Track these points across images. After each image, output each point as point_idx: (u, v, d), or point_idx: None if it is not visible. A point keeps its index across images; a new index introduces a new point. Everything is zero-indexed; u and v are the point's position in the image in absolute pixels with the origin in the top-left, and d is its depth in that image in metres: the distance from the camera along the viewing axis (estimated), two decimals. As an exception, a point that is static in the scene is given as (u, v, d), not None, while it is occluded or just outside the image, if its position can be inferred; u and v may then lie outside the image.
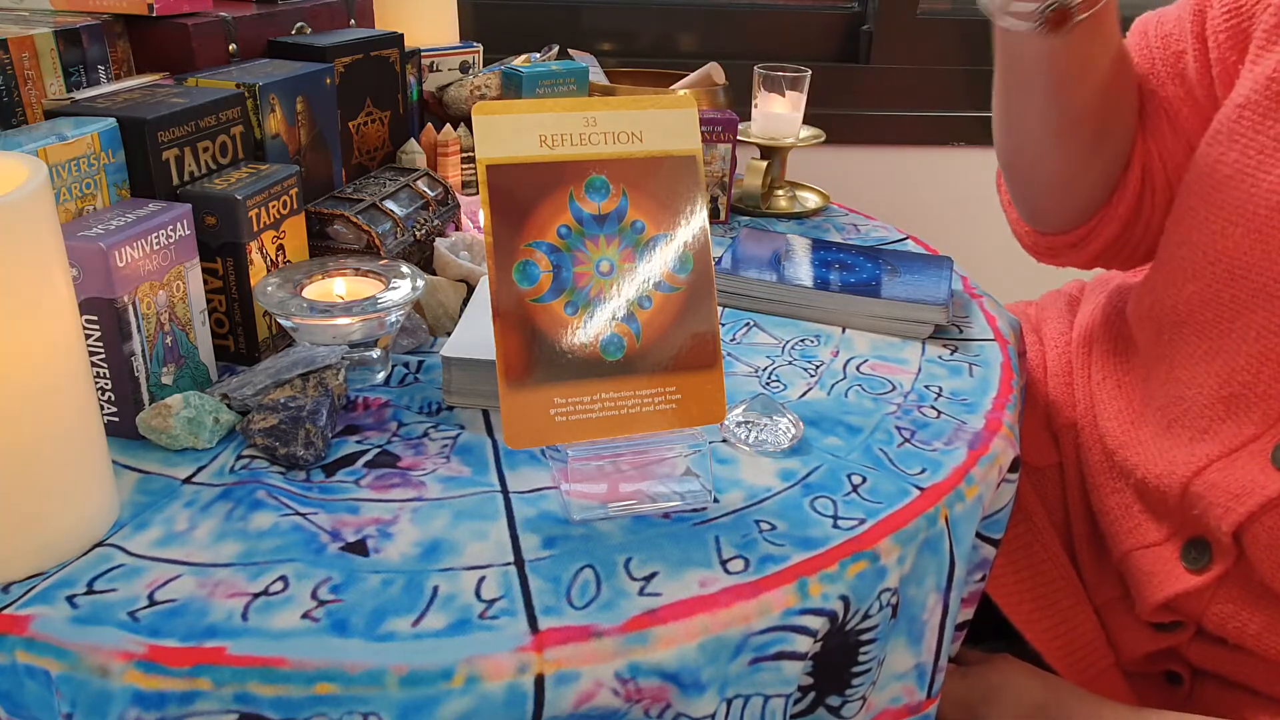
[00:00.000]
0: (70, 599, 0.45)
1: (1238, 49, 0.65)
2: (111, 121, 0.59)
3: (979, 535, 0.63)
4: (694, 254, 0.52)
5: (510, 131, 0.50)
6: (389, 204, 0.76)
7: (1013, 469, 0.64)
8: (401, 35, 0.88)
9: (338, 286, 0.66)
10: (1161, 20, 0.73)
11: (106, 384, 0.56)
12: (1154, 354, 0.72)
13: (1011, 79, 0.70)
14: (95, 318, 0.54)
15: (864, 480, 0.57)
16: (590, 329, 0.51)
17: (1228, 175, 0.62)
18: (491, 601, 0.46)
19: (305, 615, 0.45)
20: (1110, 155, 0.73)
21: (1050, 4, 0.60)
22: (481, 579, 0.48)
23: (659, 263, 0.52)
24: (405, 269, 0.67)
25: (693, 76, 1.13)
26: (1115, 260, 0.78)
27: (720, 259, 0.83)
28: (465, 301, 0.75)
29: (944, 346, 0.75)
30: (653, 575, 0.48)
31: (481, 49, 1.06)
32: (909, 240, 0.99)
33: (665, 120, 0.52)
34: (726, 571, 0.49)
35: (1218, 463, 0.65)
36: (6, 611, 0.44)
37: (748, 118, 1.10)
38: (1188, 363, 0.67)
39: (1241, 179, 0.61)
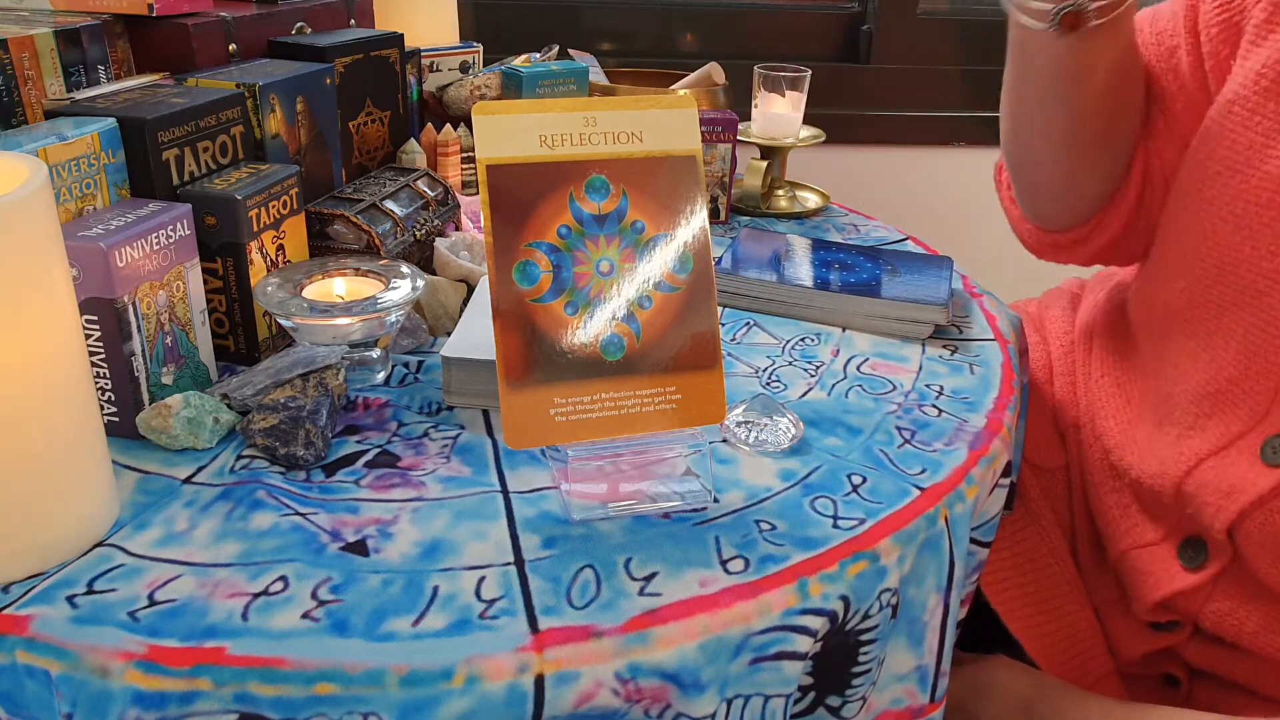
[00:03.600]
0: (70, 599, 0.45)
1: (1230, 42, 0.65)
2: (111, 121, 0.59)
3: (972, 540, 0.63)
4: (694, 254, 0.52)
5: (510, 131, 0.50)
6: (389, 204, 0.76)
7: (1005, 473, 0.64)
8: (401, 35, 0.88)
9: (338, 286, 0.66)
10: (1157, 16, 0.73)
11: (106, 384, 0.56)
12: (1148, 351, 0.73)
13: (1023, 78, 0.70)
14: (95, 318, 0.54)
15: (864, 480, 0.57)
16: (590, 329, 0.51)
17: (1216, 171, 0.63)
18: (491, 601, 0.46)
19: (305, 615, 0.45)
20: (1115, 155, 0.73)
21: (1066, 5, 0.60)
22: (481, 579, 0.48)
23: (659, 263, 0.52)
24: (405, 269, 0.67)
25: (693, 76, 1.13)
26: (1116, 257, 0.79)
27: (720, 259, 0.83)
28: (465, 301, 0.75)
29: (944, 346, 0.75)
30: (653, 575, 0.48)
31: (481, 49, 1.06)
32: (909, 240, 0.99)
33: (665, 120, 0.52)
34: (726, 571, 0.49)
35: (1208, 460, 0.65)
36: (6, 611, 0.44)
37: (748, 118, 1.10)
38: (1177, 359, 0.67)
39: (1230, 174, 0.62)
